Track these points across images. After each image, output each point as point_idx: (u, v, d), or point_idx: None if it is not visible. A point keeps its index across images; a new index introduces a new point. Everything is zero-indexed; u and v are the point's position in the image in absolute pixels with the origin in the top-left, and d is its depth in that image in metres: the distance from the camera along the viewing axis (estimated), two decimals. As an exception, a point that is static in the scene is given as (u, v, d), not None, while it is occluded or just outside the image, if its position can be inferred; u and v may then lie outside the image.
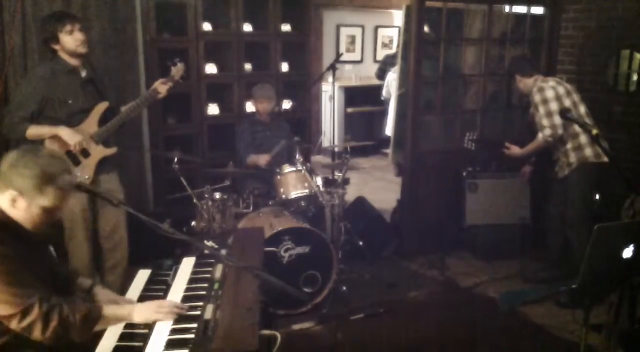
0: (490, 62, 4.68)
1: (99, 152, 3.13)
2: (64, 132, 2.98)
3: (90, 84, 3.15)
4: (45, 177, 1.76)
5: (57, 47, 3.02)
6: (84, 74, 3.11)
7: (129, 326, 1.90)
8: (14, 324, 1.70)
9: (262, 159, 3.93)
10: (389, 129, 6.27)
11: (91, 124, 3.11)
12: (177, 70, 3.32)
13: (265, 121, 4.14)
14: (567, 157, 3.72)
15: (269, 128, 4.15)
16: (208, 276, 2.24)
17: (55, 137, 2.99)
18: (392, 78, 5.78)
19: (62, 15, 3.04)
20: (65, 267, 2.13)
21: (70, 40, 2.99)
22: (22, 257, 1.75)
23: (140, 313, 1.89)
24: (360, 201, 4.69)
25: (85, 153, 3.09)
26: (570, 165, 3.71)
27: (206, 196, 3.51)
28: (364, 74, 8.32)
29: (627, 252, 2.12)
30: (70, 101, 3.04)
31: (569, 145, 3.68)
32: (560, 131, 3.61)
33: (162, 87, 3.25)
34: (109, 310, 1.86)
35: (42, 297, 1.71)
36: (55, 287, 1.86)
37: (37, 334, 1.70)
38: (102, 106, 3.15)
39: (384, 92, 6.97)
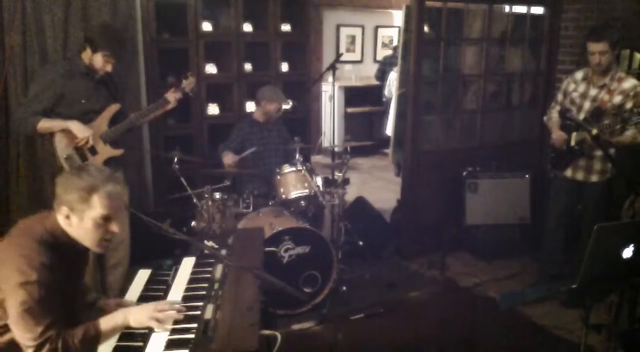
0: (490, 62, 4.68)
1: (106, 151, 3.19)
2: (75, 126, 3.03)
3: (103, 85, 3.22)
4: (88, 188, 1.80)
5: (88, 49, 3.08)
6: (97, 76, 3.16)
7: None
8: (24, 348, 1.72)
9: (228, 159, 3.88)
10: (389, 129, 6.28)
11: (101, 123, 3.17)
12: (189, 83, 3.46)
13: (262, 122, 4.14)
14: (605, 163, 3.50)
15: (266, 129, 4.14)
16: (208, 276, 2.24)
17: (66, 131, 3.04)
18: (394, 78, 5.79)
19: (113, 47, 3.06)
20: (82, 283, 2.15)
21: (100, 63, 3.08)
22: (60, 279, 1.76)
23: (136, 317, 1.86)
24: (360, 201, 4.68)
25: (93, 151, 3.14)
26: (603, 173, 3.54)
27: (206, 196, 3.51)
28: (364, 74, 8.32)
29: (627, 252, 2.12)
30: (83, 101, 3.10)
31: (612, 152, 3.35)
32: None
33: (172, 97, 3.37)
34: (105, 323, 1.83)
35: (56, 334, 1.71)
36: (70, 302, 1.88)
37: None
38: (113, 107, 3.22)
39: (385, 92, 6.98)
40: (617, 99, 3.39)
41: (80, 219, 1.81)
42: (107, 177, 1.85)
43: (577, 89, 3.60)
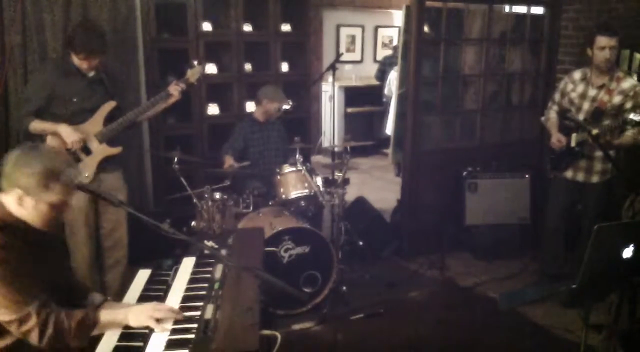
0: (490, 62, 4.68)
1: (101, 150, 3.16)
2: (63, 130, 3.00)
3: (99, 84, 3.17)
4: (50, 174, 1.77)
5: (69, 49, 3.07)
6: (91, 74, 3.13)
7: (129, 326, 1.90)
8: (12, 329, 1.72)
9: (226, 164, 3.88)
10: (389, 128, 6.27)
11: (95, 122, 3.14)
12: (193, 73, 3.35)
13: (262, 122, 4.14)
14: (605, 163, 3.49)
15: (266, 129, 4.15)
16: (208, 276, 2.24)
17: (56, 134, 3.02)
18: (394, 77, 5.78)
19: (78, 42, 2.98)
20: (72, 276, 2.14)
21: (77, 60, 3.05)
22: (25, 261, 1.75)
23: (136, 317, 1.87)
24: (360, 201, 4.68)
25: (87, 151, 3.11)
26: (604, 174, 3.54)
27: (206, 196, 3.51)
28: (364, 74, 8.32)
29: (627, 252, 2.12)
30: (75, 99, 3.07)
31: (612, 152, 3.31)
32: None
33: (174, 89, 3.27)
34: (105, 315, 1.85)
35: (40, 305, 1.71)
36: (58, 293, 1.87)
37: (34, 340, 1.72)
38: (108, 106, 3.17)
39: (385, 91, 6.98)
40: (617, 99, 3.39)
41: (36, 202, 1.78)
42: (66, 162, 1.83)
43: (576, 89, 3.59)
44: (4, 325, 1.73)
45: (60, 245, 2.10)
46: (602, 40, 3.35)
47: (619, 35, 3.33)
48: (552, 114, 3.73)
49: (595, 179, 3.56)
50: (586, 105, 3.51)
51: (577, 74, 3.62)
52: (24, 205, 1.78)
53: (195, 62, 3.43)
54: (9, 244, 1.73)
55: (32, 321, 1.69)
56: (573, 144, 3.53)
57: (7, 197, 1.79)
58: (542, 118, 3.84)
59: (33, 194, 1.77)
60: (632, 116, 3.14)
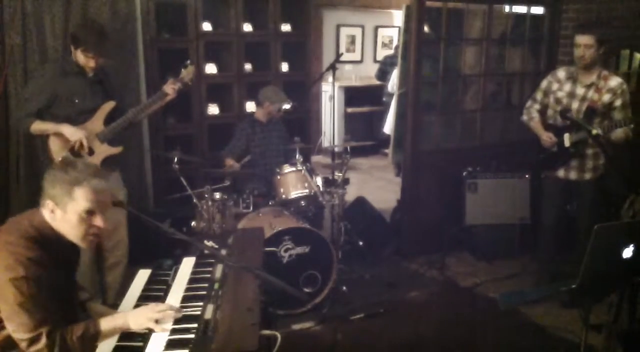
0: (490, 62, 4.68)
1: (103, 150, 3.16)
2: (66, 130, 3.01)
3: (99, 84, 3.19)
4: (72, 181, 1.80)
5: (72, 47, 3.08)
6: (92, 74, 3.14)
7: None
8: (21, 345, 1.73)
9: (227, 164, 3.91)
10: (387, 127, 6.26)
11: (96, 122, 3.15)
12: (187, 72, 3.38)
13: (264, 122, 4.14)
14: (597, 160, 3.52)
15: (267, 129, 4.15)
16: (208, 276, 2.24)
17: (59, 134, 3.03)
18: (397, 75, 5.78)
19: (90, 41, 3.01)
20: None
21: (83, 59, 3.06)
22: (52, 277, 1.77)
23: (136, 320, 1.87)
24: (360, 201, 4.68)
25: (90, 151, 3.12)
26: (596, 170, 3.55)
27: (206, 196, 3.51)
28: (364, 74, 8.32)
29: (627, 252, 2.11)
30: (76, 100, 3.09)
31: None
32: None
33: (169, 88, 3.29)
34: (105, 324, 1.84)
35: (51, 328, 1.72)
36: (66, 297, 1.89)
37: None
38: (108, 106, 3.18)
39: (388, 87, 6.95)
40: (606, 97, 3.41)
41: (64, 212, 1.81)
42: (93, 172, 1.85)
43: (562, 88, 3.57)
44: (12, 337, 1.74)
45: (77, 255, 2.11)
46: (575, 38, 3.42)
47: (593, 34, 3.34)
48: (535, 113, 3.72)
49: (588, 176, 3.57)
50: (575, 104, 3.51)
51: (561, 73, 3.61)
52: (56, 217, 1.83)
53: (188, 62, 3.45)
54: (43, 260, 1.75)
55: (42, 343, 1.71)
56: (567, 144, 3.52)
57: (44, 210, 1.84)
58: (524, 117, 3.80)
59: (61, 204, 1.80)
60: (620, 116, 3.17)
